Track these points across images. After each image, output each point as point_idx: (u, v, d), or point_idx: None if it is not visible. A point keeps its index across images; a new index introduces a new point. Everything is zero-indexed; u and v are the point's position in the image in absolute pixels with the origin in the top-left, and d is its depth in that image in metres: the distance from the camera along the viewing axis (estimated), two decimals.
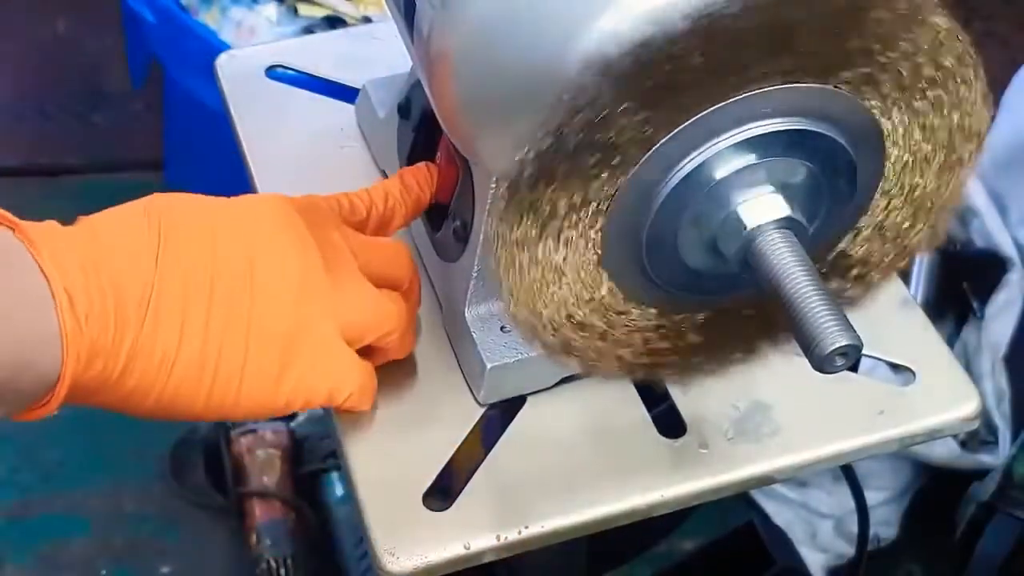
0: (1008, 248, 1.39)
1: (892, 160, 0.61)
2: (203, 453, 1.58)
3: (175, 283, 0.61)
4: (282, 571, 1.46)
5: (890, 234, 0.64)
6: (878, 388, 0.73)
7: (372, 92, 0.83)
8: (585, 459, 0.70)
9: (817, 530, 1.36)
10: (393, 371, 0.70)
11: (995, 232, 1.40)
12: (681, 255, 0.60)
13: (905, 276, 1.37)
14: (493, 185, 0.68)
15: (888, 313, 0.76)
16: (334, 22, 1.64)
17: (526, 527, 0.67)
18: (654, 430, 0.71)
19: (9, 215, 0.59)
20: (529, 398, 0.72)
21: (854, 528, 1.25)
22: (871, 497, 1.18)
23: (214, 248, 0.62)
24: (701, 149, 0.56)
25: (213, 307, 0.61)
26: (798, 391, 0.72)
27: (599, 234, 0.58)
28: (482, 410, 0.71)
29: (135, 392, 0.61)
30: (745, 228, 0.57)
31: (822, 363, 0.56)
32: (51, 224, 0.60)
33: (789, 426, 0.71)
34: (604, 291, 0.61)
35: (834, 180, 0.59)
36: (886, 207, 0.63)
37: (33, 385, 0.57)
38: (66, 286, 0.57)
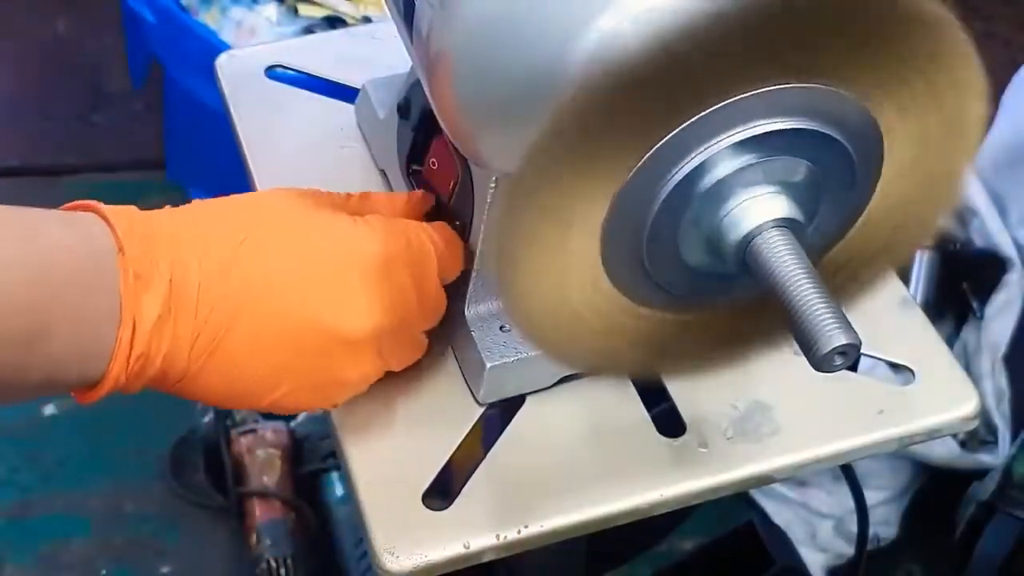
0: (1008, 248, 1.40)
1: (891, 159, 0.61)
2: (203, 453, 1.58)
3: (245, 330, 0.62)
4: (282, 571, 1.45)
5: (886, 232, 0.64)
6: (878, 388, 0.73)
7: (372, 92, 0.83)
8: (585, 458, 0.70)
9: (817, 530, 1.36)
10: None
11: (995, 232, 1.40)
12: (681, 255, 0.60)
13: (905, 276, 1.38)
14: (493, 185, 0.68)
15: (888, 313, 0.76)
16: (334, 22, 1.64)
17: (526, 526, 0.67)
18: (654, 430, 0.71)
19: (113, 215, 0.61)
20: (528, 397, 0.72)
21: (854, 528, 1.25)
22: (871, 497, 1.18)
23: (302, 301, 0.63)
24: (700, 148, 0.56)
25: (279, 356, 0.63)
26: (798, 391, 0.72)
27: (599, 232, 0.58)
28: (481, 410, 0.71)
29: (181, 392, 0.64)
30: (744, 227, 0.57)
31: (821, 362, 0.56)
32: (147, 235, 0.61)
33: (789, 426, 0.71)
34: (604, 290, 0.61)
35: (834, 179, 0.59)
36: (884, 205, 0.63)
37: (76, 382, 0.61)
38: (135, 316, 0.59)
